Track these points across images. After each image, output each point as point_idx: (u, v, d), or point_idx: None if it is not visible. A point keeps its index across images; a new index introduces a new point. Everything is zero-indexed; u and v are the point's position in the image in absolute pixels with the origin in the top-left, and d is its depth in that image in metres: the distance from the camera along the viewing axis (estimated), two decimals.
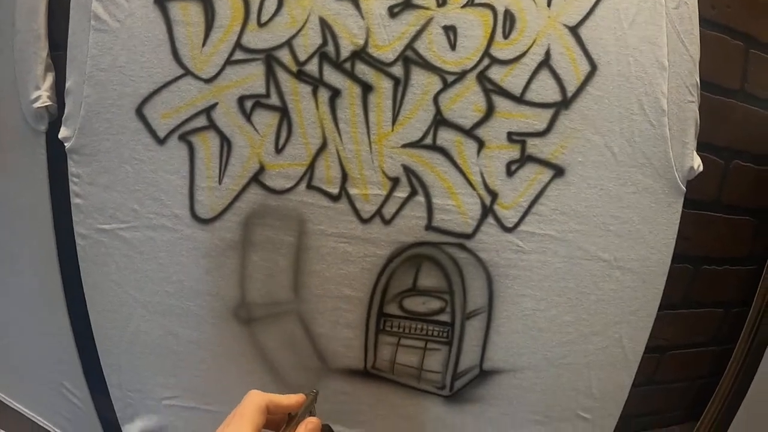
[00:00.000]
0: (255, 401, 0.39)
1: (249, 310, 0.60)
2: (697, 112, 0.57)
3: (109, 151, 0.58)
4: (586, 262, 0.59)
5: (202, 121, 0.55)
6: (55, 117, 0.63)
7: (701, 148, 0.59)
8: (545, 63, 0.53)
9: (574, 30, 0.53)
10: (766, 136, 0.73)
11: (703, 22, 0.56)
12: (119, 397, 0.67)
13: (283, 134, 0.55)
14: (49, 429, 0.77)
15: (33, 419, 0.77)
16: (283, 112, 0.54)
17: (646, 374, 0.81)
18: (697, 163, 0.59)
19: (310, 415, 0.42)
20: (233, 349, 0.61)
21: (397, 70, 0.53)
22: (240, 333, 0.61)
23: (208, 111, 0.55)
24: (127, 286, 0.61)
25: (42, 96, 0.62)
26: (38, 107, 0.62)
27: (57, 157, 0.62)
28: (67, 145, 0.59)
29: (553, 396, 0.64)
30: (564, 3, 0.53)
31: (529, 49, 0.53)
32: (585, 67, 0.53)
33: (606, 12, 0.53)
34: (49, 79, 0.62)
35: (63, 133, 0.59)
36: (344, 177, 0.55)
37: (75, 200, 0.60)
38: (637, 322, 0.63)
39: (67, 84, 0.58)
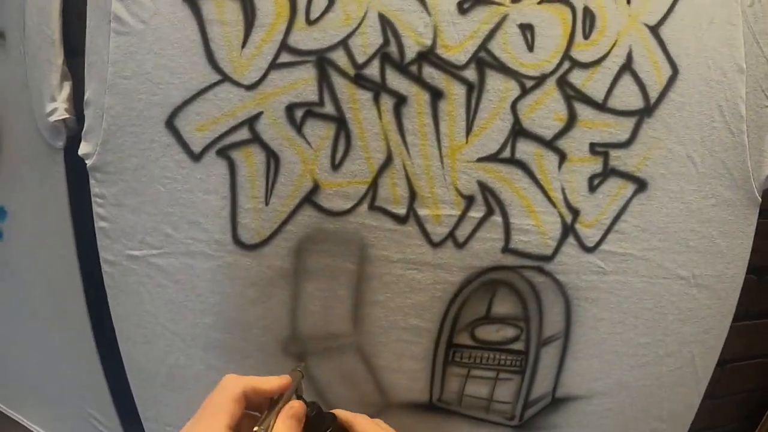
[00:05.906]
0: (229, 390, 0.34)
1: (301, 345, 0.55)
2: None
3: (137, 168, 0.51)
4: (665, 281, 0.54)
5: (244, 134, 0.49)
6: (74, 131, 0.56)
7: None
8: (627, 66, 0.48)
9: (654, 30, 0.48)
10: None
11: None
12: (155, 430, 0.62)
13: (341, 148, 0.49)
14: None
15: None
16: (340, 122, 0.48)
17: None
18: None
19: (297, 397, 0.38)
20: None
21: (470, 73, 0.47)
22: (290, 367, 0.55)
23: (250, 122, 0.49)
24: (162, 318, 0.56)
25: (58, 108, 0.56)
26: (55, 121, 0.56)
27: (77, 175, 0.56)
28: (88, 162, 0.52)
29: (625, 420, 0.60)
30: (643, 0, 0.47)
31: (610, 50, 0.47)
32: (667, 71, 0.48)
33: (686, 10, 0.48)
34: (66, 89, 0.56)
35: (83, 149, 0.52)
36: (412, 196, 0.50)
37: (100, 223, 0.54)
38: (710, 341, 0.59)
39: (87, 94, 0.51)
